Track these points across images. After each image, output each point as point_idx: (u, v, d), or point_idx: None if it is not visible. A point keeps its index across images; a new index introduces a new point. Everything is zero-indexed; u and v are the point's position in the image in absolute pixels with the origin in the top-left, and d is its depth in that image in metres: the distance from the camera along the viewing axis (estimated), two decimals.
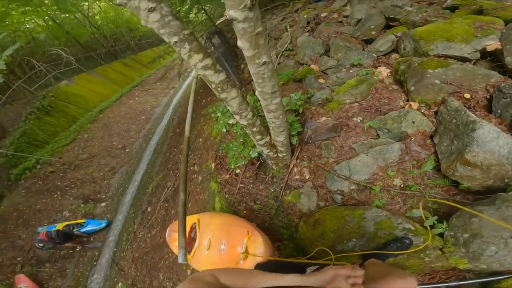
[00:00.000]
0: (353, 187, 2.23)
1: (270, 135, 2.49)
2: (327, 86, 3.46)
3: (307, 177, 2.65)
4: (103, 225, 5.97)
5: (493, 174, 1.76)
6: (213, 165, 3.80)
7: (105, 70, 14.68)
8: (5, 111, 10.01)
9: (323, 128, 2.88)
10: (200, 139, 5.16)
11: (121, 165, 7.81)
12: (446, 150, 2.00)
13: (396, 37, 3.14)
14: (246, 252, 1.93)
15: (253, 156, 2.81)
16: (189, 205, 4.14)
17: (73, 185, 7.46)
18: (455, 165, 1.87)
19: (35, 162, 8.25)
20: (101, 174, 7.61)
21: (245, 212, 2.86)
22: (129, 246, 5.16)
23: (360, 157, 2.29)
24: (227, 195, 3.21)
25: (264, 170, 3.12)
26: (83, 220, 6.08)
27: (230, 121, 3.37)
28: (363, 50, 3.51)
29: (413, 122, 2.22)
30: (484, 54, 2.27)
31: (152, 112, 10.51)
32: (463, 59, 2.33)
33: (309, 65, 3.90)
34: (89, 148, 8.83)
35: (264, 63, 1.49)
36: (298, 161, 2.83)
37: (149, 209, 5.56)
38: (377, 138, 2.40)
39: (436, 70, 2.29)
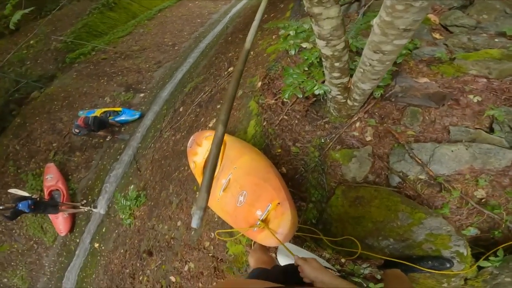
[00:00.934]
0: (422, 176, 1.77)
1: (350, 76, 1.88)
2: (445, 44, 2.54)
3: (368, 139, 2.17)
4: (137, 116, 5.92)
5: None
6: (259, 83, 3.23)
7: None
8: (72, 7, 10.48)
9: (419, 91, 2.18)
10: (252, 52, 4.44)
11: (167, 60, 7.65)
12: None
13: None
14: (266, 222, 1.58)
15: (317, 93, 2.20)
16: (220, 117, 3.85)
17: (119, 73, 7.55)
18: None
19: (91, 49, 8.74)
20: (147, 66, 7.59)
21: (279, 150, 2.51)
22: (152, 145, 5.14)
23: (456, 147, 1.72)
24: (265, 123, 2.78)
25: (318, 109, 2.58)
26: (120, 109, 6.06)
27: (304, 45, 2.66)
28: None
29: None
30: None
31: (208, 17, 9.81)
32: None
33: (427, 14, 2.84)
34: (142, 41, 8.86)
35: None
36: (366, 116, 2.27)
37: (181, 109, 5.34)
38: (488, 132, 1.76)
39: None
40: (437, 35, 2.66)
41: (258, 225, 1.57)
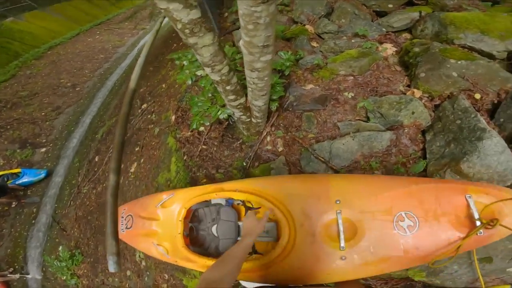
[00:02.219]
0: (329, 172, 1.90)
1: (246, 96, 1.95)
2: (321, 51, 2.90)
3: (280, 150, 2.24)
4: (42, 175, 4.91)
5: None
6: (173, 117, 3.12)
7: (63, 8, 12.36)
8: None
9: (308, 97, 2.39)
10: (164, 85, 4.27)
11: (68, 104, 6.44)
12: (437, 151, 1.73)
13: (420, 16, 2.62)
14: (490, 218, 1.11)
15: (221, 117, 2.25)
16: (141, 161, 3.49)
17: (8, 126, 6.07)
18: (444, 171, 1.62)
19: None
20: (43, 114, 6.26)
21: (204, 180, 2.41)
22: (71, 202, 4.43)
23: (345, 140, 1.92)
24: (185, 156, 2.67)
25: (232, 132, 2.60)
26: (19, 170, 4.91)
27: (199, 72, 2.69)
28: (372, 21, 2.93)
29: (413, 113, 1.86)
30: (510, 56, 1.91)
31: (113, 52, 8.91)
32: (489, 56, 1.95)
33: (304, 25, 3.22)
34: (31, 85, 7.31)
35: (266, 1, 0.91)
36: (273, 129, 2.37)
37: (96, 158, 4.69)
38: (366, 121, 2.03)
39: (459, 62, 1.89)
40: (314, 44, 2.99)
41: (485, 224, 1.11)
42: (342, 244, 1.24)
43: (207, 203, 1.76)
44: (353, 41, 2.75)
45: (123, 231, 1.87)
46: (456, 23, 2.16)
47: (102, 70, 7.76)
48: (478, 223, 1.12)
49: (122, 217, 1.95)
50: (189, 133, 2.85)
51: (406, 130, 1.85)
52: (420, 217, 1.18)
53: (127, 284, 2.96)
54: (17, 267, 4.31)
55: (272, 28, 1.15)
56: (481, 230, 1.11)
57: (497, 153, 1.49)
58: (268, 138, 2.36)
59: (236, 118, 2.27)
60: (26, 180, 4.87)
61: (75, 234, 4.01)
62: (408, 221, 1.19)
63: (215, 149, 2.63)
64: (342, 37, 2.84)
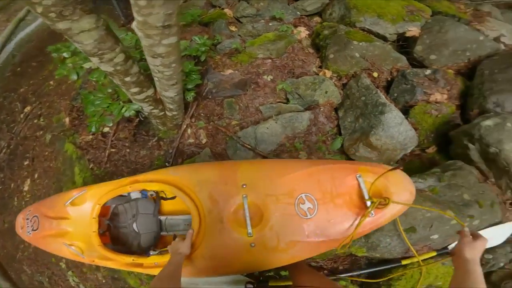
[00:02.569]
0: (258, 158, 1.81)
1: (154, 87, 1.69)
2: (239, 35, 2.76)
3: (204, 141, 2.03)
4: None
5: (385, 157, 1.75)
6: (67, 119, 2.53)
7: None
8: None
9: (228, 83, 2.23)
10: (52, 82, 3.39)
11: None
12: (349, 126, 1.85)
13: (330, 0, 2.72)
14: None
15: (127, 115, 1.89)
16: (35, 176, 2.74)
17: None
18: (358, 145, 1.74)
19: None
20: None
21: None
22: None
23: (268, 124, 1.86)
24: (91, 165, 2.20)
25: (146, 129, 2.24)
26: None
27: (87, 65, 2.18)
28: (288, 5, 2.92)
29: (326, 92, 1.93)
30: (400, 38, 2.18)
31: None
32: (383, 38, 2.17)
33: (223, 9, 3.01)
34: None
35: None
36: (193, 120, 2.13)
37: None
38: (286, 103, 2.01)
39: (360, 43, 2.04)
40: (233, 28, 2.84)
41: (376, 203, 1.11)
42: (249, 230, 1.18)
43: (127, 199, 1.64)
44: (270, 24, 2.72)
45: (30, 233, 1.66)
46: (358, 7, 2.33)
47: None
48: (368, 203, 1.14)
49: (27, 219, 1.70)
50: (91, 136, 2.33)
51: (322, 109, 1.92)
52: (318, 199, 1.19)
53: None
54: None
55: (173, 4, 0.91)
56: (372, 212, 1.14)
57: (397, 124, 1.67)
58: (189, 131, 2.11)
59: (147, 113, 1.94)
60: None
61: None
62: (308, 203, 1.19)
63: (128, 150, 2.22)
64: (260, 21, 2.78)
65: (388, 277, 1.50)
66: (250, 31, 2.70)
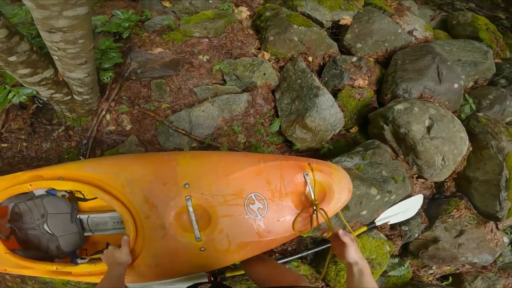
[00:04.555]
0: (194, 144, 1.57)
1: (54, 67, 1.30)
2: (173, 11, 2.37)
3: (128, 128, 1.66)
4: None
5: (318, 138, 1.75)
6: None
7: None
8: None
9: (157, 62, 1.87)
10: None
11: None
12: (286, 108, 1.78)
13: None
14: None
15: (16, 101, 1.47)
16: None
17: None
18: (294, 126, 1.69)
19: None
20: None
21: None
22: None
23: (204, 106, 1.62)
24: None
25: (47, 117, 1.72)
26: None
27: None
28: None
29: (264, 74, 1.80)
30: (334, 25, 2.17)
31: None
32: (320, 24, 2.11)
33: None
34: None
35: None
36: (113, 104, 1.71)
37: None
38: (223, 84, 1.81)
39: (300, 28, 1.93)
40: (166, 3, 2.39)
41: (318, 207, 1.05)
42: (197, 234, 1.03)
43: (29, 196, 1.29)
44: (210, 1, 2.38)
45: None
46: None
47: None
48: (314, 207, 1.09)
49: None
50: None
51: (259, 91, 1.79)
52: (268, 198, 1.09)
53: None
54: None
55: None
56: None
57: (329, 107, 1.68)
58: (108, 117, 1.70)
59: (45, 99, 1.50)
60: None
61: None
62: (258, 203, 1.08)
63: (24, 144, 1.68)
64: None
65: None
66: (187, 8, 2.34)
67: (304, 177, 1.13)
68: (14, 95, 1.42)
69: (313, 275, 1.61)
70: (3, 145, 1.67)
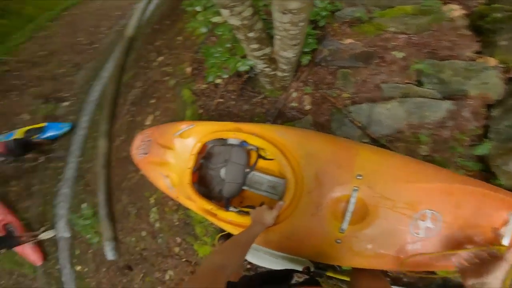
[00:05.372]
0: (366, 140, 1.51)
1: (272, 46, 1.54)
2: (363, 4, 2.32)
3: (307, 108, 1.83)
4: (66, 128, 4.45)
5: None
6: (189, 69, 2.69)
7: None
8: None
9: (346, 53, 1.90)
10: (180, 38, 3.63)
11: (87, 61, 5.83)
12: (505, 131, 1.30)
13: None
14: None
15: (241, 69, 1.87)
16: (157, 113, 3.05)
17: (31, 84, 5.61)
18: (510, 156, 1.23)
19: None
20: (63, 70, 5.72)
21: None
22: (95, 156, 4.05)
23: (390, 104, 1.48)
24: (201, 110, 2.28)
25: (252, 86, 2.16)
26: (44, 124, 4.46)
27: (215, 19, 2.19)
28: None
29: (485, 83, 1.40)
30: None
31: (130, 8, 7.56)
32: None
33: None
34: (48, 45, 6.63)
35: None
36: (301, 84, 1.92)
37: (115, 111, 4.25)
38: (418, 86, 1.58)
39: None
40: None
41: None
42: (345, 226, 0.99)
43: (223, 142, 1.50)
44: None
45: (141, 155, 1.68)
46: None
47: (119, 27, 6.77)
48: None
49: (144, 141, 1.74)
50: (205, 85, 2.43)
51: (470, 102, 1.41)
52: (446, 222, 0.91)
53: (142, 245, 2.78)
54: (48, 225, 4.08)
55: None
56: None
57: None
58: (295, 95, 1.93)
59: (258, 71, 1.84)
60: (51, 134, 4.50)
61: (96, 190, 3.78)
62: (430, 222, 0.93)
63: (233, 103, 2.22)
64: None
65: None
66: (379, 1, 2.21)
67: (509, 217, 0.87)
68: (241, 65, 1.86)
69: None
70: (220, 100, 2.29)
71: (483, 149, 1.29)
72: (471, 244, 0.89)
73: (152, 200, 2.63)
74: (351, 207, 0.99)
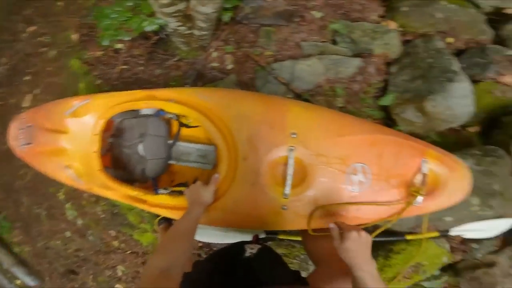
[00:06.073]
0: (290, 96, 1.45)
1: (187, 0, 1.32)
2: None
3: (229, 68, 1.64)
4: None
5: (429, 126, 1.42)
6: (75, 35, 2.14)
7: None
8: None
9: (269, 10, 1.78)
10: (59, 3, 2.86)
11: None
12: (402, 84, 1.46)
13: None
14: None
15: (148, 29, 1.57)
16: (37, 91, 2.35)
17: None
18: (407, 106, 1.39)
19: None
20: None
21: None
22: None
23: (311, 62, 1.45)
24: (99, 81, 1.84)
25: (165, 48, 1.82)
26: None
27: None
28: None
29: (386, 44, 1.52)
30: (494, 12, 1.68)
31: None
32: (477, 6, 1.65)
33: None
34: None
35: None
36: (222, 43, 1.72)
37: None
38: (333, 44, 1.62)
39: (449, 5, 1.58)
40: None
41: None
42: (287, 190, 0.92)
43: (135, 114, 1.28)
44: None
45: (23, 147, 1.29)
46: None
47: None
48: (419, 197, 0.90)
49: (21, 129, 1.33)
50: (101, 52, 1.92)
51: (374, 60, 1.52)
52: (373, 174, 0.93)
53: (73, 246, 2.28)
54: None
55: None
56: (419, 200, 0.90)
57: (462, 96, 1.33)
58: (215, 54, 1.71)
59: (171, 30, 1.56)
60: None
61: None
62: (361, 176, 0.93)
63: (141, 68, 1.83)
64: None
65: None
66: None
67: (421, 163, 0.92)
68: (148, 24, 1.54)
69: None
70: (124, 66, 1.86)
71: (386, 100, 1.42)
72: (398, 193, 0.94)
73: (61, 196, 2.07)
74: (290, 170, 0.92)
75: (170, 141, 1.28)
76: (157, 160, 1.28)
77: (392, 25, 1.61)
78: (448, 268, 1.53)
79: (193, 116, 1.03)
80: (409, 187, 0.93)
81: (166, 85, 1.70)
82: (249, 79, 1.56)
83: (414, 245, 1.29)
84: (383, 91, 1.49)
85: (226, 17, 1.62)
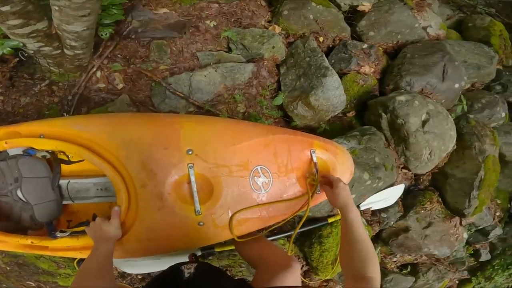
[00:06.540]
0: (191, 109, 1.42)
1: (48, 19, 1.15)
2: None
3: (120, 87, 1.47)
4: None
5: (318, 117, 1.65)
6: None
7: None
8: None
9: (160, 23, 1.69)
10: None
11: None
12: (290, 83, 1.65)
13: None
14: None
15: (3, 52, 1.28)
16: None
17: None
18: (297, 103, 1.57)
19: None
20: None
21: None
22: None
23: (207, 72, 1.45)
24: None
25: (29, 72, 1.51)
26: None
27: None
28: None
29: (273, 47, 1.66)
30: (350, 10, 2.02)
31: None
32: (338, 7, 1.97)
33: None
34: None
35: None
36: (107, 62, 1.52)
37: None
38: (228, 52, 1.66)
39: (318, 6, 1.81)
40: None
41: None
42: (198, 207, 0.91)
43: (2, 156, 1.09)
44: None
45: None
46: None
47: None
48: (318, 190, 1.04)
49: None
50: None
51: (265, 63, 1.64)
52: (273, 172, 1.00)
53: None
54: None
55: None
56: (319, 189, 1.02)
57: (334, 88, 1.58)
58: (99, 74, 1.50)
59: (32, 52, 1.31)
60: None
61: None
62: (263, 177, 0.99)
63: (1, 98, 1.48)
64: None
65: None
66: None
67: (311, 154, 1.04)
68: None
69: (296, 254, 1.55)
70: None
71: (278, 100, 1.57)
72: (301, 185, 1.03)
73: None
74: (194, 186, 0.90)
75: (56, 181, 1.10)
76: (45, 204, 1.10)
77: (277, 29, 1.79)
78: (376, 239, 1.81)
79: (71, 151, 0.91)
80: (306, 178, 1.03)
81: (40, 115, 1.39)
82: (145, 97, 1.44)
83: (337, 226, 1.45)
84: (277, 91, 1.64)
85: (105, 33, 1.44)
